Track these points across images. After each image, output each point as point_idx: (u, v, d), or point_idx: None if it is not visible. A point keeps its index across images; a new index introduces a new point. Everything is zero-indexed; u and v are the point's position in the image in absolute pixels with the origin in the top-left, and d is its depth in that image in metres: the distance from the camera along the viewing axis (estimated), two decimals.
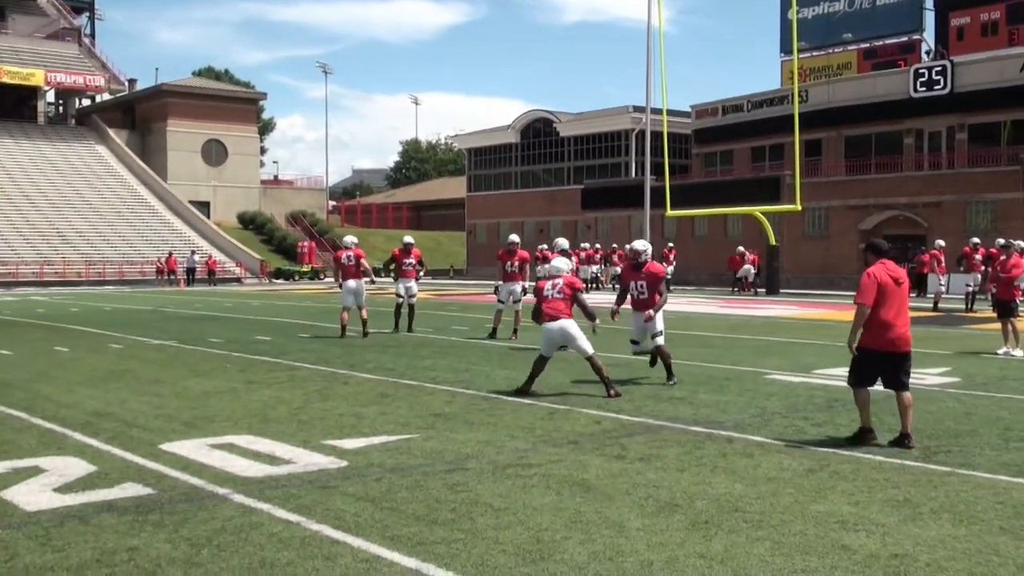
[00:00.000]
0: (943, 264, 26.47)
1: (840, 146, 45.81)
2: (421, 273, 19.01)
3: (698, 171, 53.07)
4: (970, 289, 26.08)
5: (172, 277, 52.29)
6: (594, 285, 41.89)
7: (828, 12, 50.83)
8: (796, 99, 37.34)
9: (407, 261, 18.47)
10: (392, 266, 18.94)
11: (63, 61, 71.71)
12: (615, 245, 43.92)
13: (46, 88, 72.46)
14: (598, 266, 43.14)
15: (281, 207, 74.07)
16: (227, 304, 30.71)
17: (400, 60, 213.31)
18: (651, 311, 11.31)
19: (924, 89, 41.94)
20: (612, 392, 10.27)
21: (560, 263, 10.92)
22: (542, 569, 4.77)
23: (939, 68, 41.87)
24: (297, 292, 41.06)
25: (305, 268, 59.76)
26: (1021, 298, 16.30)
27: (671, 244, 44.09)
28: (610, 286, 40.81)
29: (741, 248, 40.57)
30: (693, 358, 13.86)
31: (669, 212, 40.42)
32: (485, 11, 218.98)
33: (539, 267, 30.35)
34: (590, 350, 10.44)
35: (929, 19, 47.88)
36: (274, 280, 57.40)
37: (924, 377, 11.97)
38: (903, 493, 6.25)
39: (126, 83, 76.47)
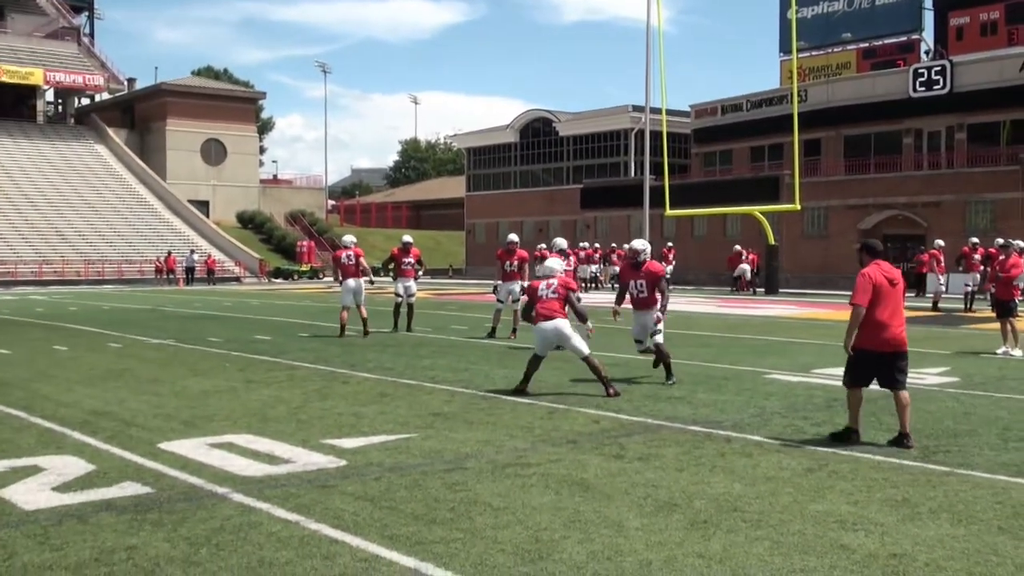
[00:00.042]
0: (942, 264, 26.47)
1: (839, 146, 45.83)
2: (420, 272, 19.01)
3: (697, 171, 53.08)
4: (969, 289, 26.09)
5: (171, 276, 52.28)
6: (593, 285, 41.90)
7: (827, 12, 50.85)
8: (795, 99, 37.34)
9: (406, 260, 18.47)
10: (391, 265, 18.94)
11: (62, 60, 71.72)
12: (614, 245, 43.93)
13: (45, 87, 72.47)
14: (597, 266, 43.13)
15: (280, 206, 74.06)
16: (226, 303, 30.71)
17: (399, 60, 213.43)
18: (660, 313, 11.44)
19: (923, 89, 41.96)
20: (611, 391, 10.28)
21: (554, 263, 10.98)
22: (541, 568, 4.77)
23: (938, 68, 41.89)
24: (296, 291, 41.06)
25: (304, 267, 59.73)
26: (1020, 298, 16.30)
27: (670, 244, 44.16)
28: (609, 285, 40.81)
29: (738, 247, 40.58)
30: (692, 358, 13.86)
31: (668, 212, 40.43)
32: (484, 10, 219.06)
33: (537, 267, 30.34)
34: (586, 350, 10.45)
35: (928, 19, 47.98)
36: (273, 279, 57.39)
37: (923, 377, 11.98)
38: (902, 493, 6.25)
39: (125, 82, 76.49)
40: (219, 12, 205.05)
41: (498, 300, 17.77)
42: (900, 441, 7.68)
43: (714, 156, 52.47)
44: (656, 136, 41.64)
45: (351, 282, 17.50)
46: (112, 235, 59.14)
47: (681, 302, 29.00)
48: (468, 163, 69.16)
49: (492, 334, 17.36)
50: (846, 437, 7.88)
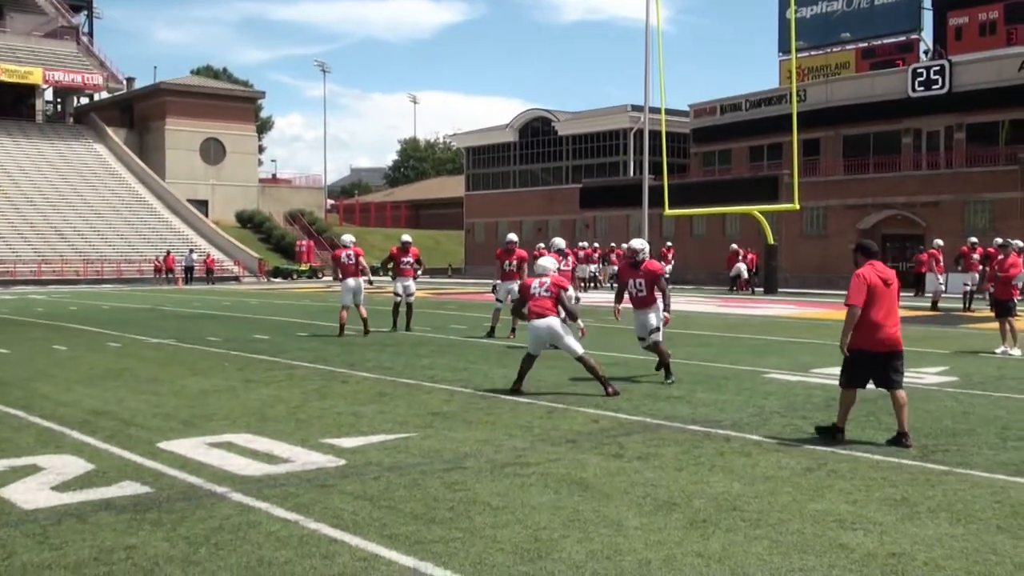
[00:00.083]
0: (941, 263, 26.48)
1: (838, 145, 45.85)
2: (419, 272, 19.01)
3: (696, 170, 53.09)
4: (968, 288, 26.11)
5: (170, 276, 52.27)
6: (592, 284, 41.92)
7: (826, 11, 50.86)
8: (794, 98, 37.35)
9: (405, 260, 18.47)
10: (390, 265, 18.94)
11: (61, 59, 71.71)
12: (613, 244, 43.95)
13: (44, 86, 72.47)
14: (596, 265, 43.17)
15: (279, 206, 74.03)
16: (225, 303, 30.70)
17: (398, 59, 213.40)
18: (666, 313, 11.59)
19: (922, 89, 41.98)
20: (610, 391, 10.28)
21: (547, 262, 11.04)
22: (540, 568, 4.77)
23: (937, 68, 41.90)
24: (295, 291, 41.04)
25: (303, 267, 59.71)
26: (1019, 297, 16.31)
27: (669, 243, 44.20)
28: (608, 285, 40.83)
29: (735, 246, 40.60)
30: (691, 357, 13.86)
31: (667, 211, 40.44)
32: (483, 10, 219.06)
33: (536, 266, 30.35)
34: (579, 350, 10.47)
35: (927, 19, 48.02)
36: (272, 279, 57.37)
37: (922, 376, 12.01)
38: (901, 492, 6.26)
39: (124, 82, 76.49)
40: (218, 11, 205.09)
41: (497, 299, 17.76)
42: (899, 440, 7.69)
43: (713, 156, 52.49)
44: (655, 136, 41.64)
45: (351, 281, 17.50)
46: (111, 234, 59.12)
47: (680, 302, 28.99)
48: (467, 162, 69.15)
49: (491, 333, 17.36)
50: (831, 433, 7.96)
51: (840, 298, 29.80)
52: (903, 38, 48.48)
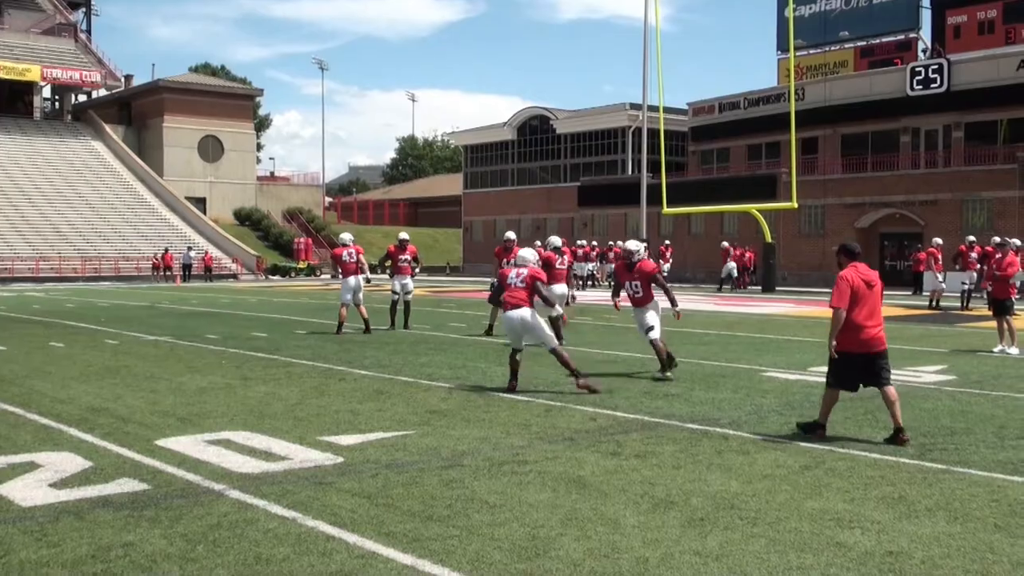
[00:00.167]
0: (940, 262, 26.50)
1: (836, 144, 45.85)
2: (417, 269, 19.00)
3: (694, 169, 53.09)
4: (966, 287, 26.12)
5: (168, 273, 52.24)
6: (590, 282, 41.92)
7: (825, 10, 50.84)
8: (792, 97, 37.31)
9: (402, 257, 18.46)
10: (388, 263, 18.93)
11: (59, 57, 71.62)
12: (611, 242, 43.95)
13: (42, 84, 72.36)
14: (594, 263, 43.17)
15: (277, 203, 73.98)
16: (223, 300, 30.69)
17: (397, 57, 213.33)
18: (676, 308, 11.77)
19: (921, 87, 41.97)
20: (580, 382, 10.31)
21: (527, 253, 11.14)
22: (538, 566, 4.77)
23: (935, 66, 41.91)
24: (293, 288, 41.03)
25: (301, 264, 59.71)
26: (1016, 296, 16.32)
27: (667, 242, 44.20)
28: (606, 283, 40.84)
29: (725, 244, 40.63)
30: (689, 355, 13.86)
31: (665, 210, 40.45)
32: (482, 8, 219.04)
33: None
34: (552, 343, 10.52)
35: (926, 17, 48.01)
36: (270, 276, 57.35)
37: (920, 375, 12.01)
38: (898, 490, 6.26)
39: (122, 79, 76.35)
40: (216, 9, 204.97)
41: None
42: (896, 437, 7.70)
43: (711, 154, 52.48)
44: (654, 134, 41.63)
45: (352, 280, 17.52)
46: (109, 232, 59.08)
47: (678, 300, 28.99)
48: (465, 160, 69.12)
49: (490, 331, 17.36)
50: (812, 430, 8.04)
51: None
52: (901, 37, 48.50)
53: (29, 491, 6.16)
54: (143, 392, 10.52)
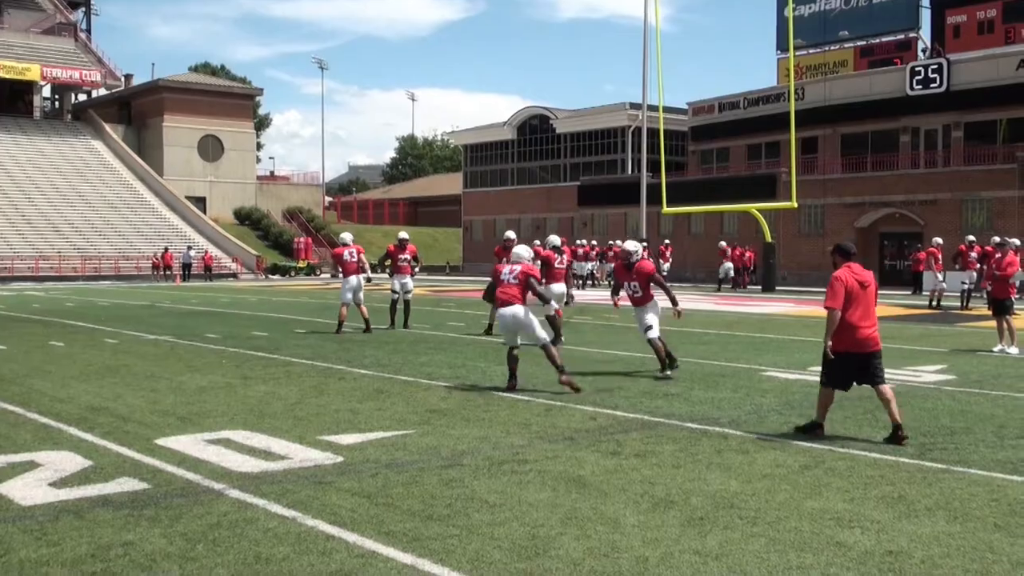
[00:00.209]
0: (940, 261, 26.51)
1: (836, 144, 45.85)
2: (416, 269, 19.01)
3: (694, 168, 53.09)
4: (965, 287, 26.12)
5: (168, 272, 52.23)
6: (590, 282, 41.92)
7: (824, 10, 50.85)
8: (792, 96, 37.32)
9: (402, 257, 18.46)
10: (388, 262, 18.94)
11: (59, 56, 71.61)
12: (611, 242, 43.94)
13: (42, 83, 72.36)
14: (594, 263, 43.17)
15: (277, 203, 73.98)
16: (223, 300, 30.69)
17: (396, 56, 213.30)
18: (677, 307, 11.76)
19: (920, 87, 41.98)
20: (563, 379, 10.30)
21: (522, 250, 11.13)
22: (537, 565, 4.77)
23: (935, 66, 41.91)
24: (293, 288, 41.03)
25: (301, 264, 59.71)
26: (1016, 296, 16.32)
27: (667, 241, 44.19)
28: (606, 283, 40.84)
29: (723, 243, 40.65)
30: (689, 355, 13.85)
31: (665, 209, 40.46)
32: (481, 7, 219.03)
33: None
34: (544, 338, 10.52)
35: (925, 17, 48.05)
36: (270, 276, 57.35)
37: (920, 374, 12.01)
38: (898, 490, 6.26)
39: (122, 78, 76.35)
40: (216, 8, 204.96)
41: None
42: (895, 435, 7.71)
43: (711, 153, 52.48)
44: (653, 133, 41.63)
45: (354, 279, 17.54)
46: (109, 231, 59.06)
47: (679, 299, 29.01)
48: (465, 160, 69.12)
49: (489, 331, 17.35)
50: (811, 430, 8.05)
51: None
52: (901, 36, 48.51)
53: (29, 490, 6.16)
54: (143, 391, 10.52)
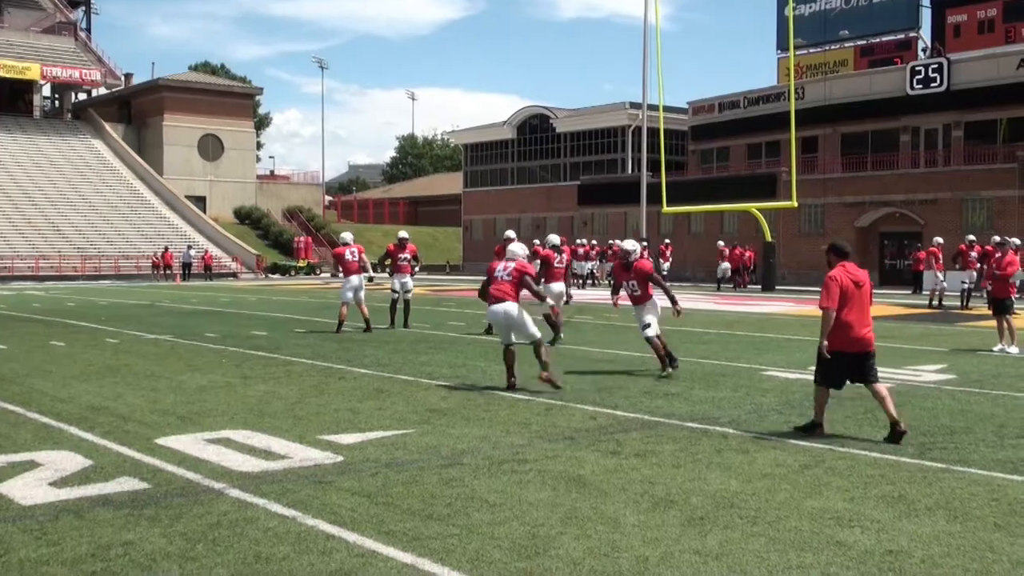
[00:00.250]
0: (940, 261, 26.51)
1: (836, 143, 45.84)
2: (416, 268, 19.01)
3: (694, 168, 53.08)
4: (965, 286, 26.12)
5: (168, 272, 52.24)
6: (590, 281, 41.92)
7: (825, 9, 50.85)
8: (792, 96, 37.32)
9: (402, 256, 18.46)
10: (387, 262, 18.94)
11: (59, 55, 71.60)
12: (611, 241, 43.92)
13: (42, 82, 72.37)
14: (594, 262, 43.17)
15: (277, 202, 73.97)
16: (223, 299, 30.69)
17: (396, 55, 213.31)
18: (676, 307, 11.71)
19: (920, 86, 41.97)
20: (544, 375, 10.31)
21: (517, 247, 11.09)
22: (537, 564, 4.77)
23: (935, 65, 41.90)
24: (293, 287, 41.02)
25: (301, 263, 59.71)
26: (1016, 295, 16.32)
27: (667, 241, 44.18)
28: (605, 282, 40.82)
29: (721, 243, 40.63)
30: (689, 354, 13.85)
31: (665, 208, 40.45)
32: (482, 6, 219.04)
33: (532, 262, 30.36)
34: (537, 335, 10.54)
35: (926, 16, 48.05)
36: (270, 275, 57.35)
37: (920, 374, 12.01)
38: (898, 489, 6.26)
39: (122, 77, 76.36)
40: (216, 7, 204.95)
41: None
42: (894, 431, 7.71)
43: (711, 153, 52.47)
44: (653, 133, 41.62)
45: (355, 279, 17.55)
46: (109, 230, 59.07)
47: (678, 299, 29.00)
48: (465, 159, 69.11)
49: (489, 330, 17.34)
50: (810, 429, 8.07)
51: None
52: (901, 36, 48.51)
53: (29, 490, 6.16)
54: (143, 391, 10.52)
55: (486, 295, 10.73)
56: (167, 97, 70.38)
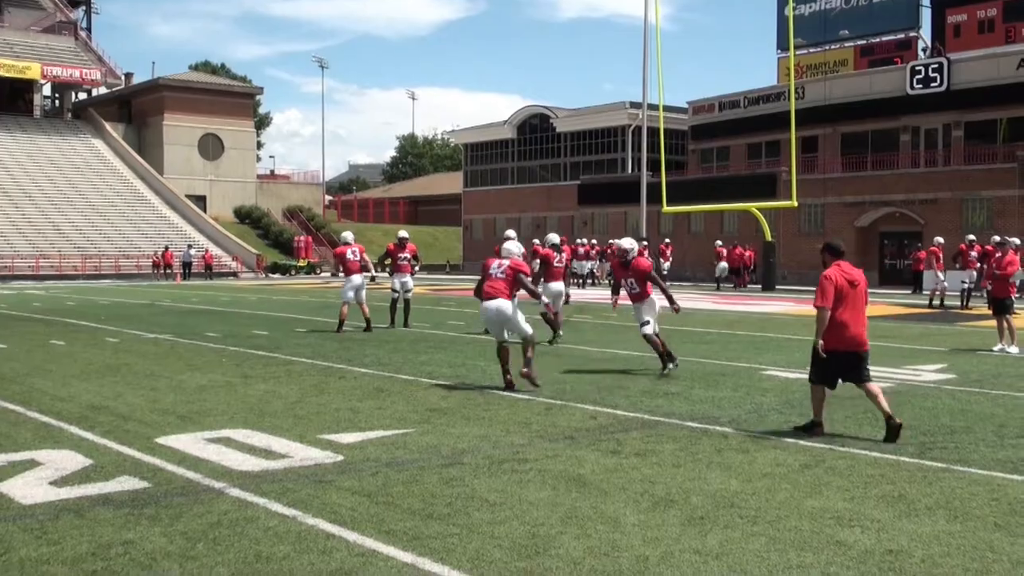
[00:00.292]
0: (941, 261, 26.52)
1: (836, 143, 45.83)
2: (416, 268, 19.01)
3: (694, 167, 53.06)
4: (966, 286, 26.12)
5: (168, 271, 52.23)
6: (590, 281, 41.92)
7: (825, 9, 50.83)
8: (792, 96, 37.31)
9: (402, 256, 18.47)
10: (387, 261, 18.95)
11: (59, 55, 71.59)
12: (611, 241, 43.92)
13: (42, 82, 72.34)
14: (594, 262, 43.17)
15: (277, 201, 73.98)
16: (223, 298, 30.69)
17: (396, 55, 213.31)
18: (674, 305, 11.73)
19: (920, 86, 41.96)
20: (524, 371, 10.33)
21: (512, 245, 11.09)
22: (537, 564, 4.77)
23: (935, 65, 41.90)
24: (293, 287, 41.02)
25: (301, 263, 59.71)
26: (1016, 295, 16.32)
27: (667, 240, 44.17)
28: (606, 281, 40.83)
29: (719, 243, 40.62)
30: (689, 354, 13.85)
31: (665, 208, 40.45)
32: (482, 6, 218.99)
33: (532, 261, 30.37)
34: (528, 331, 10.54)
35: (926, 16, 48.03)
36: (270, 274, 57.35)
37: (920, 373, 12.01)
38: (898, 489, 6.26)
39: (122, 77, 76.36)
40: (217, 7, 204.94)
41: None
42: (889, 427, 7.71)
43: (711, 153, 52.46)
44: (653, 132, 41.61)
45: (356, 278, 17.56)
46: (109, 230, 59.06)
47: (678, 298, 28.99)
48: (465, 159, 69.10)
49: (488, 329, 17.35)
50: (812, 429, 8.09)
51: None
52: (901, 36, 48.49)
53: (29, 489, 6.16)
54: (143, 390, 10.52)
55: (479, 292, 10.73)
56: (167, 97, 70.39)
